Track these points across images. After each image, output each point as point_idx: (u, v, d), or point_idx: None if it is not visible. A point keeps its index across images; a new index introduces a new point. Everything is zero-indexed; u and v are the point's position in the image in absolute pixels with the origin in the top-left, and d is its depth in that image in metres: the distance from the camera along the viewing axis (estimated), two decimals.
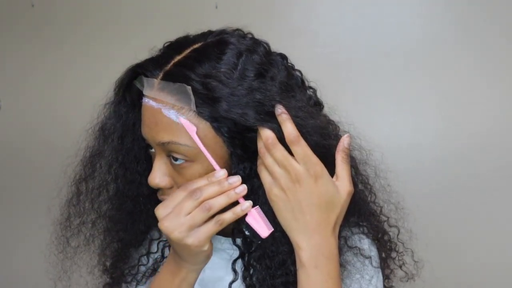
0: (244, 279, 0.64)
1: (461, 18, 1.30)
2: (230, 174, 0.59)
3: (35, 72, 1.55)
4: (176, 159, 0.60)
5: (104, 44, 1.48)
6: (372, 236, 0.70)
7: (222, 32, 0.64)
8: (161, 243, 0.75)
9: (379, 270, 0.68)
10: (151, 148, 0.64)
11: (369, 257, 0.66)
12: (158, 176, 0.62)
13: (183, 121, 0.57)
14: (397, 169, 1.32)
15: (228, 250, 0.70)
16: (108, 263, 0.77)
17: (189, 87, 0.56)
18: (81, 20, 1.51)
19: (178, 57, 0.60)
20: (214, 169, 0.59)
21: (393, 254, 0.75)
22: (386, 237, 0.74)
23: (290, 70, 0.65)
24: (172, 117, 0.58)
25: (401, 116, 1.35)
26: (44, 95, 1.55)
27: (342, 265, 0.64)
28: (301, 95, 0.64)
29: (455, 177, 1.32)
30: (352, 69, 1.34)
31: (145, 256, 0.75)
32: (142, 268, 0.75)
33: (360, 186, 0.71)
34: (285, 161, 0.57)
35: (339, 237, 0.62)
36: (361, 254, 0.66)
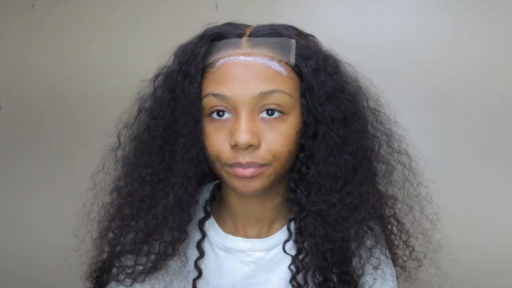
0: (296, 242, 0.67)
1: (461, 18, 1.30)
2: (296, 123, 0.62)
3: (35, 72, 1.55)
4: (272, 113, 0.60)
5: (104, 44, 1.48)
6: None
7: None
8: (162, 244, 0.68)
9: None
10: (221, 115, 0.60)
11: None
12: (249, 131, 0.58)
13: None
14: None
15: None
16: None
17: (293, 41, 0.61)
18: (81, 20, 1.51)
19: (250, 27, 0.65)
20: (301, 126, 0.62)
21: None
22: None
23: None
24: (273, 66, 0.60)
25: (401, 116, 1.35)
26: (44, 95, 1.55)
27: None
28: None
29: (455, 179, 1.32)
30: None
31: (144, 256, 0.68)
32: (139, 268, 0.68)
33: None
34: None
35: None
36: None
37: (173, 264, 0.69)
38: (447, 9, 1.31)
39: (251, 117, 0.59)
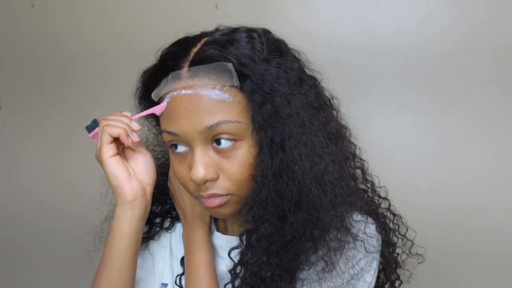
0: (241, 253, 0.64)
1: (462, 18, 1.30)
2: (252, 146, 0.60)
3: (35, 72, 1.55)
4: (220, 143, 0.59)
5: (104, 44, 1.48)
6: (378, 225, 0.70)
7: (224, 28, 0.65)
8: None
9: (373, 257, 0.66)
10: (176, 148, 0.62)
11: (363, 241, 0.66)
12: (203, 168, 0.59)
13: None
14: (393, 170, 1.33)
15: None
16: None
17: (230, 64, 0.57)
18: (81, 20, 1.51)
19: (197, 47, 0.61)
20: (258, 147, 0.59)
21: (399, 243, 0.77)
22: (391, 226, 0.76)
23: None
24: (216, 96, 0.58)
25: (402, 116, 1.35)
26: (44, 95, 1.55)
27: (340, 241, 0.63)
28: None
29: (455, 178, 1.32)
30: (352, 70, 1.34)
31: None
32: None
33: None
34: None
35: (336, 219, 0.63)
36: (357, 238, 0.66)
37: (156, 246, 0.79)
38: (449, 8, 1.31)
39: (204, 150, 0.60)
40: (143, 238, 0.73)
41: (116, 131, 0.63)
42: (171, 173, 0.74)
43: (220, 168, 0.60)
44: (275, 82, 0.58)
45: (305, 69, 0.66)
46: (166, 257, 0.77)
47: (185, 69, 0.59)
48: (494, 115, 1.30)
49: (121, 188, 0.64)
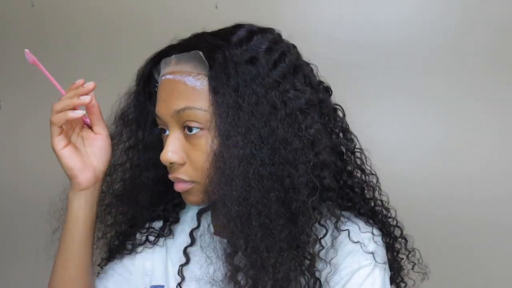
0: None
1: (463, 17, 1.30)
2: (216, 137, 0.60)
3: (35, 72, 1.55)
4: (191, 130, 0.61)
5: (104, 44, 1.48)
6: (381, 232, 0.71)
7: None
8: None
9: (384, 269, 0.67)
10: (165, 132, 0.65)
11: (372, 253, 0.65)
12: (171, 150, 0.62)
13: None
14: (394, 170, 1.33)
15: None
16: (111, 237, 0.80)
17: (201, 52, 0.60)
18: (81, 20, 1.50)
19: (189, 37, 0.65)
20: (227, 138, 0.58)
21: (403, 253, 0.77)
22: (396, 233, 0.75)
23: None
24: (188, 82, 0.60)
25: (402, 116, 1.35)
26: (44, 94, 1.55)
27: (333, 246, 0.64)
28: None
29: (455, 179, 1.32)
30: (352, 70, 1.34)
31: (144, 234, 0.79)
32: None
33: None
34: None
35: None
36: (364, 249, 0.66)
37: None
38: (450, 8, 1.31)
39: (177, 135, 0.63)
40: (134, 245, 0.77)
41: (61, 118, 0.63)
42: None
43: (187, 154, 0.63)
44: (239, 78, 0.58)
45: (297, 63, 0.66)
46: (161, 259, 0.77)
47: (173, 56, 0.63)
48: (499, 115, 1.29)
49: (75, 178, 0.66)
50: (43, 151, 1.57)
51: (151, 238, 0.78)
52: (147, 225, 0.79)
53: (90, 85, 0.66)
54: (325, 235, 0.64)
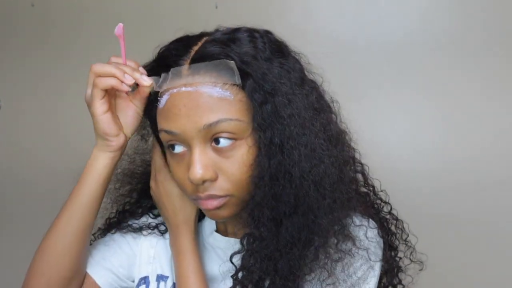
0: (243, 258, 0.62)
1: (463, 16, 1.30)
2: (251, 146, 0.59)
3: (35, 72, 1.55)
4: (218, 142, 0.58)
5: (104, 44, 1.48)
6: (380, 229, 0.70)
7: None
8: None
9: (376, 263, 0.66)
10: (173, 149, 0.61)
11: (365, 249, 0.64)
12: (202, 168, 0.58)
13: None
14: (393, 170, 1.33)
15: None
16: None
17: (232, 62, 0.57)
18: (81, 20, 1.50)
19: (198, 45, 0.60)
20: (257, 148, 0.58)
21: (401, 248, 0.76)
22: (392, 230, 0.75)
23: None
24: (216, 94, 0.57)
25: (402, 116, 1.35)
26: (44, 94, 1.55)
27: (341, 251, 0.62)
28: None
29: (456, 179, 1.32)
30: (352, 70, 1.34)
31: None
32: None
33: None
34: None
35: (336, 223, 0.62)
36: (360, 244, 0.65)
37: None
38: (450, 8, 1.31)
39: (203, 150, 0.58)
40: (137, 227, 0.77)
41: (108, 82, 0.61)
42: (152, 183, 0.72)
43: (219, 168, 0.59)
44: (277, 82, 0.58)
45: (306, 72, 0.65)
46: (165, 251, 0.76)
47: (185, 66, 0.59)
48: (499, 115, 1.29)
49: (109, 141, 0.64)
50: (43, 151, 1.58)
51: (162, 228, 0.77)
52: (156, 212, 0.78)
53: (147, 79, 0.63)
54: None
